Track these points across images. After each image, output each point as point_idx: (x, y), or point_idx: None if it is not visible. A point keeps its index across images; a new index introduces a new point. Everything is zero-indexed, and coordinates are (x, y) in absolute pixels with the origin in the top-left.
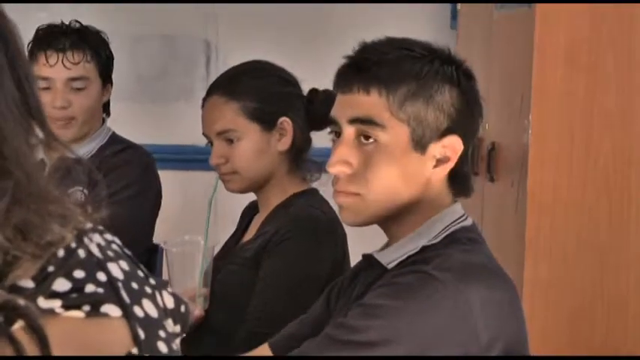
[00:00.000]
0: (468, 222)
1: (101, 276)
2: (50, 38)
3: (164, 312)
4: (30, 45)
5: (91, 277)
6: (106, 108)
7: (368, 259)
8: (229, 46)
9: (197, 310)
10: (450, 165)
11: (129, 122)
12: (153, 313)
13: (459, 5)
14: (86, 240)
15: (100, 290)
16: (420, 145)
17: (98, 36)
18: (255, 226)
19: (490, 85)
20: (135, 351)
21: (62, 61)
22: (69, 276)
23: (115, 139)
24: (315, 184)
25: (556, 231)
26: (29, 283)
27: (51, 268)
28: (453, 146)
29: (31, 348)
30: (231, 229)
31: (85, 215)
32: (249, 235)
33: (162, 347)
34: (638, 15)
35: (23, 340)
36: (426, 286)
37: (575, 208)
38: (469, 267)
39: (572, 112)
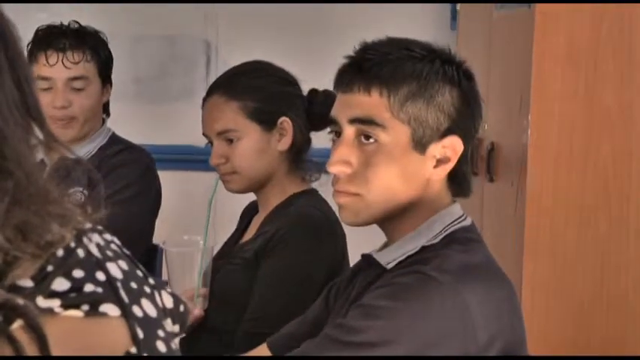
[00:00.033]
0: (467, 222)
1: (100, 275)
2: (50, 38)
3: (163, 311)
4: (29, 46)
5: (90, 277)
6: (105, 108)
7: (367, 259)
8: (229, 46)
9: (196, 310)
10: (450, 165)
11: (129, 122)
12: (152, 312)
13: (458, 5)
14: (85, 240)
15: (99, 290)
16: (420, 145)
17: (97, 36)
18: (254, 226)
19: (490, 85)
20: (133, 350)
21: (62, 61)
22: (68, 275)
23: (115, 139)
24: (314, 185)
25: (555, 231)
26: (28, 283)
27: (50, 268)
28: (453, 146)
29: (30, 347)
30: (230, 229)
31: (84, 215)
32: (248, 235)
33: (161, 347)
34: (637, 15)
35: (22, 339)
36: (425, 286)
37: (575, 208)
38: (468, 267)
39: (571, 112)
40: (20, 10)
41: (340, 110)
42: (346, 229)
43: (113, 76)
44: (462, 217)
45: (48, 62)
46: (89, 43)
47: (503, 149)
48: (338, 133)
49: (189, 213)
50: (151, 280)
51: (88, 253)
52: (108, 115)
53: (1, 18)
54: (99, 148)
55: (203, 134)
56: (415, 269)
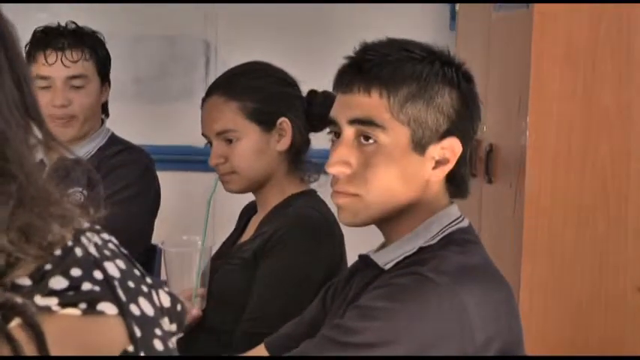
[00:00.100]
0: (465, 223)
1: (98, 274)
2: (48, 38)
3: (160, 310)
4: (27, 47)
5: (87, 276)
6: (104, 109)
7: (364, 260)
8: (229, 46)
9: (194, 310)
10: (449, 167)
11: (128, 123)
12: (149, 311)
13: (457, 6)
14: (83, 239)
15: (97, 288)
16: (419, 146)
17: (95, 36)
18: (253, 227)
19: (488, 86)
20: (131, 349)
21: (61, 60)
22: (66, 274)
23: (114, 139)
24: (313, 185)
25: (554, 231)
26: (26, 281)
27: (48, 267)
28: (452, 148)
29: (28, 346)
30: (229, 229)
31: (83, 215)
32: (247, 235)
33: (159, 345)
34: (636, 15)
35: (20, 337)
36: (423, 287)
37: (573, 209)
38: (465, 269)
39: (570, 112)
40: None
41: (340, 111)
42: (344, 229)
43: (113, 76)
44: (460, 219)
45: (47, 61)
46: (87, 42)
47: (501, 151)
48: (337, 134)
49: (189, 213)
50: (149, 279)
51: (86, 252)
52: (107, 115)
53: (1, 20)
54: (98, 149)
55: (202, 134)
56: (412, 270)
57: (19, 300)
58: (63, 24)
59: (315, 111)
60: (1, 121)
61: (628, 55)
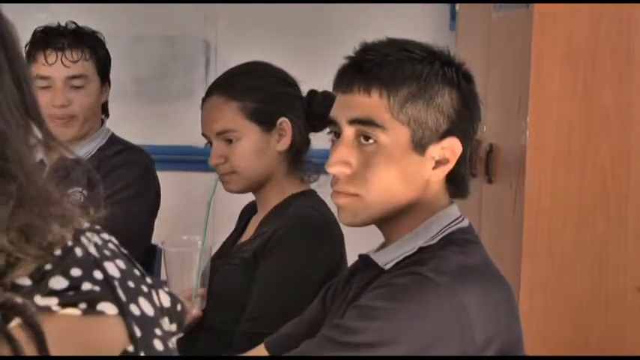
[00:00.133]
0: (465, 223)
1: (98, 274)
2: (48, 38)
3: (160, 310)
4: (27, 47)
5: (87, 276)
6: (104, 109)
7: (364, 260)
8: (229, 46)
9: (194, 310)
10: (449, 167)
11: (128, 123)
12: (149, 311)
13: (457, 6)
14: (83, 239)
15: (97, 288)
16: (419, 146)
17: (94, 36)
18: (253, 227)
19: (488, 86)
20: (131, 349)
21: (61, 60)
22: (66, 274)
23: (114, 139)
24: (313, 185)
25: (554, 231)
26: (26, 281)
27: (48, 267)
28: (452, 148)
29: (28, 346)
30: (229, 229)
31: (83, 215)
32: (247, 235)
33: (159, 345)
34: (636, 15)
35: (20, 337)
36: (423, 287)
37: (573, 209)
38: (465, 269)
39: (570, 112)
40: (20, 10)
41: (340, 111)
42: (344, 229)
43: (113, 76)
44: (460, 219)
45: (47, 61)
46: (87, 42)
47: (501, 151)
48: (337, 134)
49: (189, 213)
50: (149, 279)
51: (86, 252)
52: (107, 115)
53: (1, 20)
54: (98, 149)
55: (202, 134)
56: (412, 270)
57: (19, 300)
58: (63, 24)
59: (315, 111)
60: (1, 121)
61: (628, 55)
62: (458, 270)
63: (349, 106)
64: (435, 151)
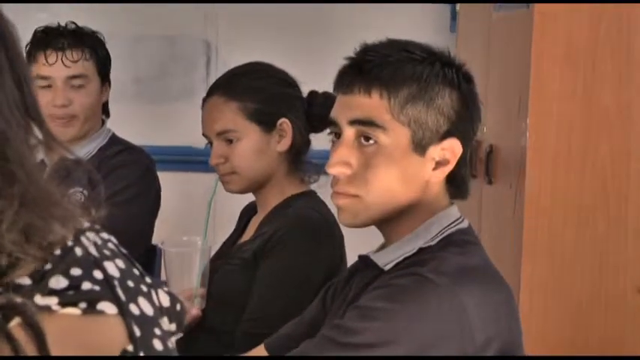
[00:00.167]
0: (464, 224)
1: (97, 274)
2: (48, 39)
3: (159, 310)
4: (28, 47)
5: (87, 275)
6: (105, 109)
7: (364, 260)
8: (229, 47)
9: (194, 310)
10: (449, 167)
11: (129, 123)
12: (148, 311)
13: (457, 7)
14: (83, 238)
15: (97, 288)
16: (419, 147)
17: (95, 36)
18: (253, 227)
19: (488, 87)
20: (130, 348)
21: (62, 60)
22: (66, 274)
23: (114, 140)
24: (313, 186)
25: (554, 231)
26: (26, 281)
27: (48, 266)
28: (452, 149)
29: (28, 345)
30: (229, 229)
31: (84, 215)
32: (247, 235)
33: (158, 345)
34: (636, 15)
35: (20, 337)
36: (422, 288)
37: (573, 208)
38: (465, 270)
39: (570, 112)
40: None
41: (340, 111)
42: (344, 230)
43: (113, 77)
44: (460, 220)
45: (47, 61)
46: (87, 42)
47: (501, 152)
48: (337, 135)
49: (189, 214)
50: (148, 279)
51: (86, 251)
52: (107, 115)
53: (2, 20)
54: (99, 149)
55: (203, 134)
56: (412, 271)
57: (19, 299)
58: (63, 24)
59: (316, 112)
60: (2, 122)
61: (628, 55)
62: (457, 271)
63: (349, 106)
64: (435, 152)
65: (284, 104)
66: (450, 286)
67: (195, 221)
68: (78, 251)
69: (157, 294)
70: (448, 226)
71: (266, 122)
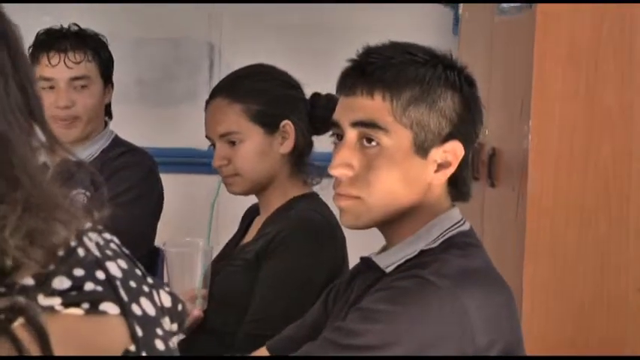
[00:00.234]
0: (466, 227)
1: (100, 274)
2: (51, 40)
3: (161, 310)
4: (31, 48)
5: (90, 276)
6: (108, 111)
7: (366, 262)
8: (233, 49)
9: (195, 311)
10: (451, 170)
11: (132, 125)
12: (150, 311)
13: (460, 9)
14: (85, 239)
15: (99, 288)
16: (421, 149)
17: (97, 38)
18: (255, 228)
19: (491, 89)
20: (132, 348)
21: (64, 61)
22: (69, 274)
23: (117, 141)
24: (315, 188)
25: (556, 232)
26: (30, 281)
27: (51, 267)
28: (454, 151)
29: (31, 346)
30: (232, 231)
31: (86, 216)
32: (249, 237)
33: (160, 345)
34: (638, 15)
35: (23, 337)
36: (424, 291)
37: (575, 209)
38: (466, 272)
39: (572, 112)
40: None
41: (343, 113)
42: (346, 231)
43: (116, 79)
44: (461, 222)
45: (50, 63)
46: (90, 44)
47: (504, 154)
48: (340, 137)
49: (192, 216)
50: (150, 279)
51: (88, 252)
52: (110, 117)
53: (4, 20)
54: (101, 151)
55: (206, 136)
56: (414, 273)
57: (22, 300)
58: (66, 26)
59: (318, 113)
60: (6, 126)
61: (630, 55)
62: (459, 273)
63: (352, 108)
64: (437, 154)
65: (287, 106)
66: (452, 289)
67: (198, 223)
68: (80, 252)
69: (158, 294)
70: (450, 228)
71: (269, 124)
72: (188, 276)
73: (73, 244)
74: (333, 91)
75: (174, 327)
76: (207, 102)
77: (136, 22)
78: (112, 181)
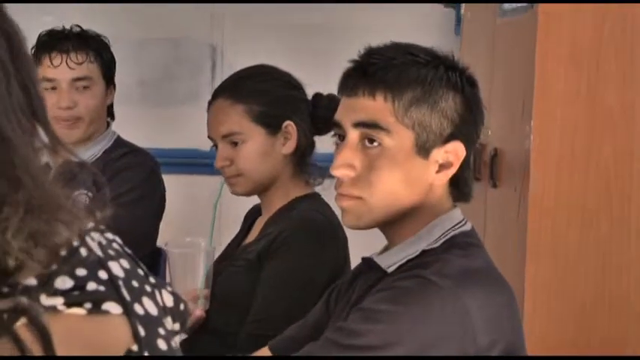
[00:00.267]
0: (467, 227)
1: (102, 274)
2: (53, 42)
3: (163, 310)
4: (33, 49)
5: (92, 275)
6: (110, 111)
7: (367, 263)
8: (235, 50)
9: (197, 311)
10: (453, 170)
11: (134, 126)
12: (153, 310)
13: (462, 10)
14: (88, 239)
15: (102, 288)
16: (423, 150)
17: (99, 39)
18: (257, 228)
19: (493, 90)
20: (135, 348)
21: (66, 62)
22: (71, 274)
23: (119, 142)
24: (317, 189)
25: (557, 232)
26: (32, 281)
27: (53, 267)
28: (455, 152)
29: (34, 345)
30: (234, 231)
31: (89, 217)
32: (251, 237)
33: (162, 345)
34: (639, 15)
35: (26, 337)
36: (426, 291)
37: (577, 209)
38: (468, 272)
39: (573, 113)
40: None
41: (344, 114)
42: (348, 232)
43: (118, 80)
44: (462, 222)
45: (52, 64)
46: (92, 45)
47: (506, 155)
48: (342, 137)
49: (194, 216)
50: (152, 279)
51: (91, 252)
52: (112, 118)
53: (6, 20)
54: (104, 152)
55: (208, 137)
56: (415, 273)
57: (25, 300)
58: (68, 27)
59: (320, 114)
60: (8, 128)
61: (632, 55)
62: (461, 273)
63: (354, 109)
64: (438, 154)
65: (289, 107)
66: (453, 289)
67: (200, 223)
68: (83, 251)
69: (160, 294)
70: (451, 228)
71: (271, 125)
72: (190, 276)
73: (75, 244)
74: (334, 91)
75: (177, 327)
76: (210, 103)
77: (137, 23)
78: (114, 182)
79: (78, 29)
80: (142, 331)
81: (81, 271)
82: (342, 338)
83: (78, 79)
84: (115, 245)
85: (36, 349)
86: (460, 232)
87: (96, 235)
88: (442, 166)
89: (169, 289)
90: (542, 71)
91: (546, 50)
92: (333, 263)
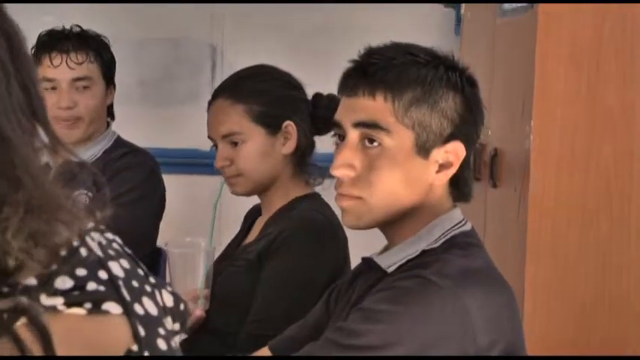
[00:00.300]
0: (467, 227)
1: (102, 274)
2: (53, 42)
3: (163, 310)
4: (33, 49)
5: (92, 275)
6: (110, 111)
7: (367, 263)
8: (235, 50)
9: (197, 311)
10: (453, 170)
11: (134, 126)
12: (153, 310)
13: (462, 10)
14: (88, 239)
15: (102, 288)
16: (423, 150)
17: (99, 39)
18: (257, 228)
19: (493, 90)
20: (135, 348)
21: (66, 62)
22: (71, 274)
23: (119, 142)
24: (317, 189)
25: (557, 232)
26: (32, 281)
27: (53, 267)
28: (455, 152)
29: (34, 345)
30: (234, 231)
31: (89, 217)
32: (251, 237)
33: (162, 345)
34: (639, 15)
35: (26, 337)
36: (426, 291)
37: (577, 209)
38: (468, 272)
39: (573, 113)
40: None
41: (344, 114)
42: (348, 232)
43: (118, 80)
44: (462, 222)
45: (52, 64)
46: (92, 45)
47: (506, 155)
48: (342, 137)
49: (194, 216)
50: (152, 279)
51: (91, 252)
52: (113, 118)
53: (6, 19)
54: (104, 151)
55: (208, 137)
56: (415, 273)
57: (25, 300)
58: (68, 27)
59: (320, 114)
60: (9, 128)
61: (632, 55)
62: (461, 273)
63: (354, 109)
64: (438, 154)
65: (289, 107)
66: (453, 289)
67: (200, 224)
68: (83, 251)
69: (160, 294)
70: (451, 228)
71: (271, 125)
72: (190, 276)
73: (75, 244)
74: (334, 91)
75: (177, 327)
76: (210, 103)
77: (137, 23)
78: (114, 182)
79: (78, 29)
80: (142, 331)
81: (81, 271)
82: (342, 338)
83: (78, 79)
84: (115, 245)
85: (36, 349)
86: (460, 232)
87: (96, 235)
88: (442, 166)
89: (169, 289)
90: (542, 71)
91: (546, 50)
92: (333, 263)
